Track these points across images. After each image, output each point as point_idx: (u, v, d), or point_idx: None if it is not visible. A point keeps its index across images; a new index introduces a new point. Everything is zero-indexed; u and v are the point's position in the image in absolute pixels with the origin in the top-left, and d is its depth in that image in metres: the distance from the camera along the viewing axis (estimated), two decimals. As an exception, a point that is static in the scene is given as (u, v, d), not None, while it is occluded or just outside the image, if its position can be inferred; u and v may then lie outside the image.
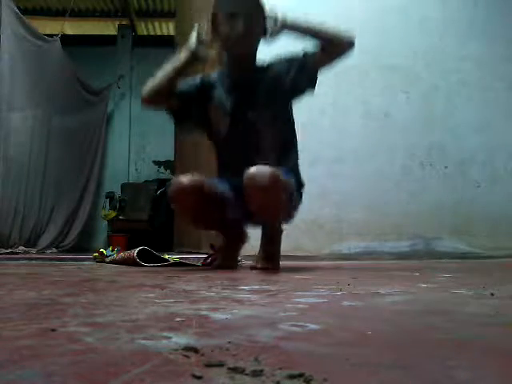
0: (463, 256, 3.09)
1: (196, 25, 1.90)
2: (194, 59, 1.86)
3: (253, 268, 1.87)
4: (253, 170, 1.67)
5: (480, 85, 3.35)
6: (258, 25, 1.84)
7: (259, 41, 1.88)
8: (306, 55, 1.88)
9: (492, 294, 0.98)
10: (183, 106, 1.93)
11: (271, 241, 1.93)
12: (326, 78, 3.23)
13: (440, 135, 3.29)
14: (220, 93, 1.94)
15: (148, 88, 1.88)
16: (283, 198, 1.72)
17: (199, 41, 1.85)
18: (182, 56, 1.87)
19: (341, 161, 3.17)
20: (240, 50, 1.88)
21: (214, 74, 2.02)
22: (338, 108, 3.24)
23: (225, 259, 1.99)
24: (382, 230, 3.14)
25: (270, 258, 1.89)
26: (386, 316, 0.76)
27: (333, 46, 1.85)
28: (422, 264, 2.48)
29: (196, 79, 1.99)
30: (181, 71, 1.87)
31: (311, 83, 1.91)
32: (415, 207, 3.19)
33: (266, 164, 1.71)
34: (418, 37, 3.34)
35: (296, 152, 1.98)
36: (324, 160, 3.16)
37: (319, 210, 3.06)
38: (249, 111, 1.90)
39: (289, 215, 1.91)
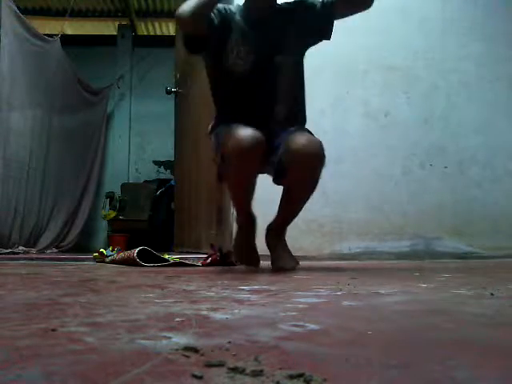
0: (463, 256, 3.09)
1: None
2: None
3: (276, 269, 1.85)
4: (303, 139, 1.70)
5: (480, 85, 3.35)
6: None
7: None
8: (325, 2, 1.87)
9: (492, 294, 0.98)
10: (209, 33, 1.80)
11: (284, 248, 1.95)
12: (327, 78, 3.24)
13: (440, 135, 3.29)
14: (241, 27, 1.85)
15: (186, 9, 1.71)
16: (320, 174, 1.77)
17: None
18: None
19: (341, 161, 3.16)
20: None
21: (232, 7, 1.93)
22: (338, 108, 3.23)
23: (247, 255, 1.93)
24: (381, 230, 3.14)
25: (287, 256, 1.91)
26: (386, 316, 0.76)
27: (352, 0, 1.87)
28: (421, 264, 2.48)
29: (220, 7, 1.86)
30: None
31: (329, 31, 1.92)
32: (415, 207, 3.19)
33: (289, 116, 1.80)
34: (418, 37, 3.33)
35: (304, 102, 1.98)
36: (324, 160, 3.15)
37: (319, 209, 3.06)
38: (273, 52, 1.86)
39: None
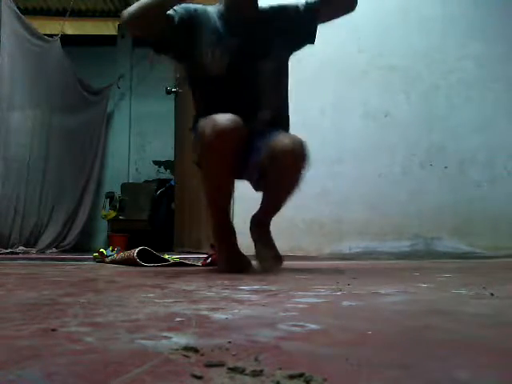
0: (463, 256, 3.09)
1: None
2: None
3: (261, 270, 1.76)
4: (286, 139, 1.64)
5: (480, 85, 3.35)
6: None
7: None
8: (308, 6, 1.85)
9: (492, 294, 0.98)
10: (170, 33, 1.73)
11: (267, 239, 1.87)
12: (327, 78, 3.24)
13: (440, 135, 3.29)
14: (219, 29, 1.79)
15: (132, 10, 1.65)
16: (303, 174, 1.70)
17: None
18: None
19: (341, 161, 3.17)
20: None
21: (210, 7, 1.86)
22: (338, 108, 3.24)
23: (234, 260, 1.75)
24: (381, 230, 3.14)
25: (273, 257, 1.82)
26: (386, 316, 0.76)
27: (336, 3, 1.84)
28: (421, 264, 2.48)
29: (190, 6, 1.79)
30: None
31: (312, 35, 1.89)
32: (415, 207, 3.19)
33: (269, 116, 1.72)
34: (417, 37, 3.33)
35: (288, 108, 1.92)
36: (324, 160, 3.15)
37: (319, 209, 3.06)
38: (252, 55, 1.80)
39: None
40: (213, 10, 1.85)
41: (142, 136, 6.51)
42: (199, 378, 0.39)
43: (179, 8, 1.75)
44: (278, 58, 1.87)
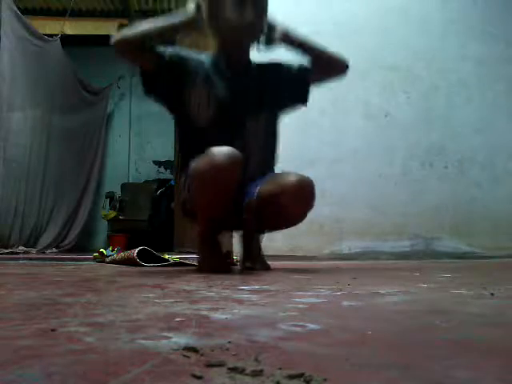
0: (463, 256, 3.10)
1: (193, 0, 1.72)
2: (189, 26, 1.69)
3: (246, 268, 1.78)
4: (294, 176, 1.63)
5: (480, 85, 3.36)
6: (265, 20, 1.73)
7: (257, 39, 1.75)
8: (301, 67, 1.84)
9: (492, 294, 0.98)
10: (161, 70, 1.72)
11: (253, 239, 1.85)
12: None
13: (440, 135, 3.30)
14: (210, 76, 1.77)
15: (123, 33, 1.71)
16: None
17: (198, 11, 1.67)
18: (177, 17, 1.72)
19: (341, 161, 3.17)
20: (243, 39, 1.75)
21: (202, 55, 1.85)
22: (338, 108, 3.24)
23: (215, 260, 1.79)
24: (381, 230, 3.14)
25: (258, 258, 1.82)
26: (386, 316, 0.76)
27: (327, 67, 1.83)
28: (421, 264, 2.48)
29: (184, 50, 1.81)
30: (167, 30, 1.70)
31: (305, 96, 1.89)
32: (415, 207, 3.19)
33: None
34: (417, 37, 3.34)
35: (275, 163, 1.90)
36: (324, 160, 3.15)
37: (319, 210, 3.04)
38: (241, 105, 1.77)
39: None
40: (206, 56, 1.83)
41: (142, 136, 6.51)
42: (199, 378, 0.39)
43: (171, 49, 1.76)
44: (267, 115, 1.83)
